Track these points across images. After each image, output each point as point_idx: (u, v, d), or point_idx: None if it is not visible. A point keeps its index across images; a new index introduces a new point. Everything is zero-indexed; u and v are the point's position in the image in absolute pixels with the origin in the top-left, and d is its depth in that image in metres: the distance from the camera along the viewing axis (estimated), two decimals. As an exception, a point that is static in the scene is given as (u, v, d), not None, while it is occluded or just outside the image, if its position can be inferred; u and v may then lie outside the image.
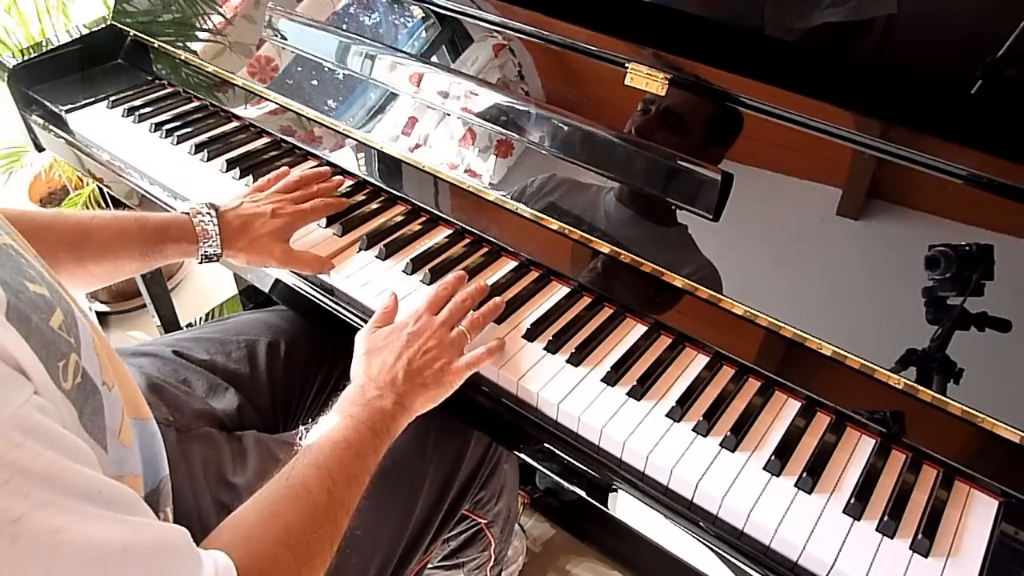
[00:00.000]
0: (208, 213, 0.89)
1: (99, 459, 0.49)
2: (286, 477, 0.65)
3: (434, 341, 0.79)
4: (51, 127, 1.26)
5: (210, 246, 0.89)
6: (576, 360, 0.82)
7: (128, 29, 1.36)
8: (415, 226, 1.01)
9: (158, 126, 1.20)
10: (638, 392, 0.78)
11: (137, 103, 1.25)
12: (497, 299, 0.87)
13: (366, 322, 0.85)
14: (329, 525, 0.64)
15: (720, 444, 0.74)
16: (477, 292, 0.86)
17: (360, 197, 1.06)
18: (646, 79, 0.86)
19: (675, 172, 0.84)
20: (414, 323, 0.81)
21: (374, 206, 1.04)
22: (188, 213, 0.89)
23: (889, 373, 0.73)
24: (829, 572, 0.65)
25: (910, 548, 0.66)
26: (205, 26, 1.29)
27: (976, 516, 0.69)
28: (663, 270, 0.86)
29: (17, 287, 0.46)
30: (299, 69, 1.18)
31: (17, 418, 0.39)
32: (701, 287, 0.83)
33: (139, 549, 0.44)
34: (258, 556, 0.57)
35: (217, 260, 0.91)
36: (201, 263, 0.91)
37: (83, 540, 0.40)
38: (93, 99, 1.27)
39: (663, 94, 0.85)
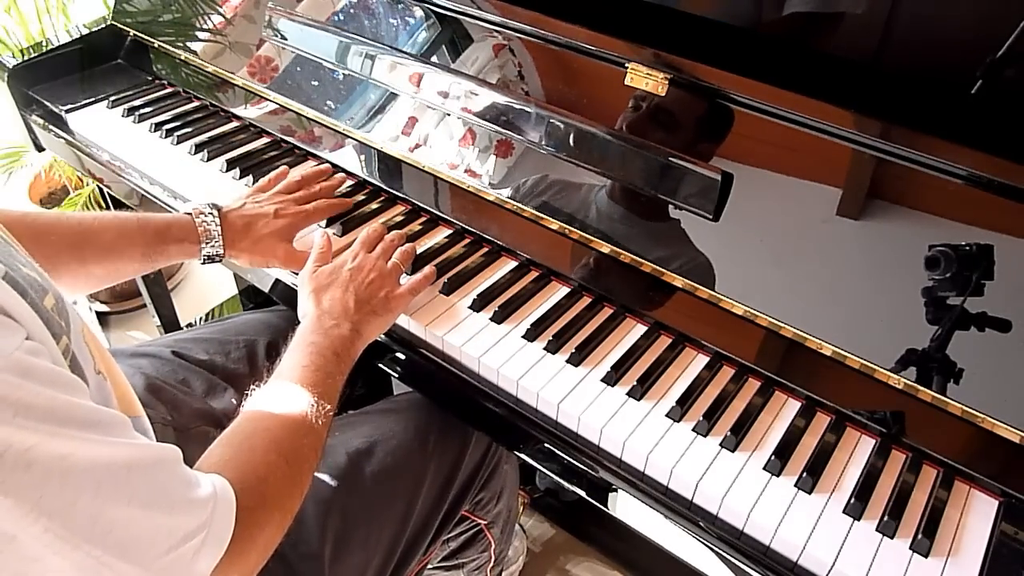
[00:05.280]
0: (211, 213, 0.89)
1: None
2: (262, 398, 0.69)
3: (375, 273, 0.85)
4: (51, 127, 1.26)
5: (213, 247, 0.89)
6: (576, 360, 0.82)
7: (128, 29, 1.36)
8: (415, 226, 1.01)
9: (158, 126, 1.20)
10: (638, 392, 0.78)
11: (137, 103, 1.25)
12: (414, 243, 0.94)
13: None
14: (312, 434, 0.68)
15: (720, 444, 0.74)
16: (399, 236, 0.93)
17: (360, 197, 1.06)
18: (646, 79, 0.86)
19: (675, 173, 0.84)
20: (352, 260, 0.86)
21: (374, 206, 1.04)
22: (191, 214, 0.89)
23: (889, 373, 0.73)
24: (829, 572, 0.65)
25: (910, 548, 0.66)
26: (205, 26, 1.29)
27: (976, 516, 0.69)
28: (663, 270, 0.86)
29: (10, 265, 0.48)
30: (299, 69, 1.18)
31: (13, 362, 0.42)
32: (701, 287, 0.83)
33: (141, 466, 0.48)
34: (252, 464, 0.61)
35: (220, 261, 0.91)
36: (204, 264, 0.91)
37: (90, 463, 0.44)
38: (93, 99, 1.27)
39: (663, 94, 0.85)
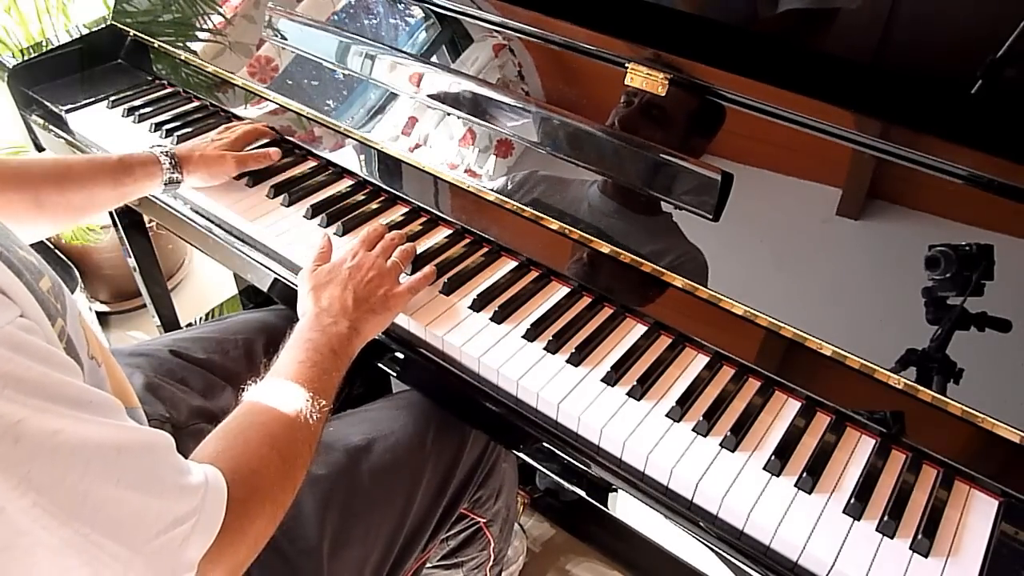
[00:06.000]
0: (165, 150, 1.01)
1: None
2: (258, 393, 0.69)
3: (374, 272, 0.86)
4: (51, 127, 1.26)
5: (171, 173, 1.00)
6: (576, 360, 0.82)
7: (128, 29, 1.36)
8: (415, 226, 1.01)
9: (158, 126, 1.20)
10: (638, 392, 0.78)
11: (137, 103, 1.25)
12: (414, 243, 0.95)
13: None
14: (306, 429, 0.68)
15: (720, 444, 0.74)
16: (399, 236, 0.95)
17: (360, 197, 1.06)
18: (646, 79, 0.86)
19: (676, 173, 0.84)
20: (352, 258, 0.87)
21: (374, 206, 1.04)
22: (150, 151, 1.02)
23: (889, 373, 0.73)
24: (829, 572, 0.65)
25: (910, 548, 0.66)
26: (205, 26, 1.29)
27: (976, 516, 0.69)
28: (662, 269, 0.86)
29: (7, 246, 0.48)
30: (299, 69, 1.18)
31: (4, 335, 0.42)
32: (701, 287, 0.83)
33: (131, 448, 0.48)
34: (245, 456, 0.61)
35: (179, 184, 1.02)
36: (165, 191, 1.02)
37: (79, 441, 0.44)
38: (93, 99, 1.27)
39: (663, 94, 0.85)
